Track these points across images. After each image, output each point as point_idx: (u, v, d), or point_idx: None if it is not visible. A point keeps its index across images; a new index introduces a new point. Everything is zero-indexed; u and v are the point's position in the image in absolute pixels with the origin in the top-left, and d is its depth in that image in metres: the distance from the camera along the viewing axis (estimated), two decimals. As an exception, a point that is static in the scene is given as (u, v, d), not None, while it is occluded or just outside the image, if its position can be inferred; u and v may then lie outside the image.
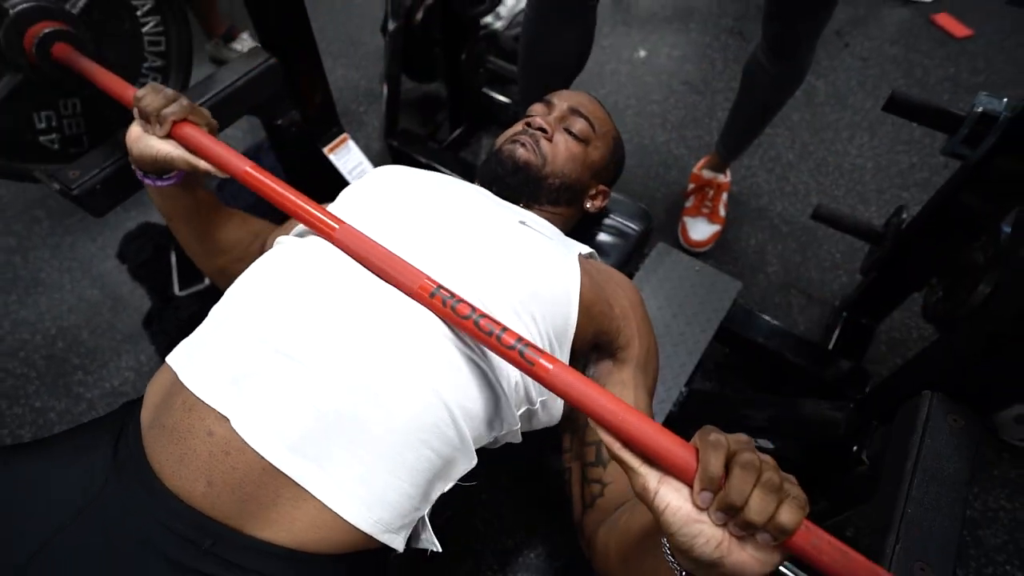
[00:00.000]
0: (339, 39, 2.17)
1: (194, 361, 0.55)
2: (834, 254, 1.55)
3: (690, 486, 0.41)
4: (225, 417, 0.51)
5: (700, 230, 1.57)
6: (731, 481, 0.38)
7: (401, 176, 0.73)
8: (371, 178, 0.74)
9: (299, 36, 1.10)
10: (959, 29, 2.10)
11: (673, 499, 0.41)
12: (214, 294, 0.81)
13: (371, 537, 0.52)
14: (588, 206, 0.89)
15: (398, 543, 0.54)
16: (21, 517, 0.50)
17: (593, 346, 0.70)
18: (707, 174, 1.61)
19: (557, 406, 0.68)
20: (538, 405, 0.64)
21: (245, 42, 1.94)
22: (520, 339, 0.49)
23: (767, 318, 1.22)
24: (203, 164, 0.67)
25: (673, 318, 1.12)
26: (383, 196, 0.69)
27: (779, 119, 1.85)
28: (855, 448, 0.80)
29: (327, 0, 2.34)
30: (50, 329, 1.43)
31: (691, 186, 1.64)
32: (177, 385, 0.54)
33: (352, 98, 1.94)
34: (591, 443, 0.68)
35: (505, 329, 0.50)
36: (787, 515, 0.38)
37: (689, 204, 1.61)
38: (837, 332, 1.28)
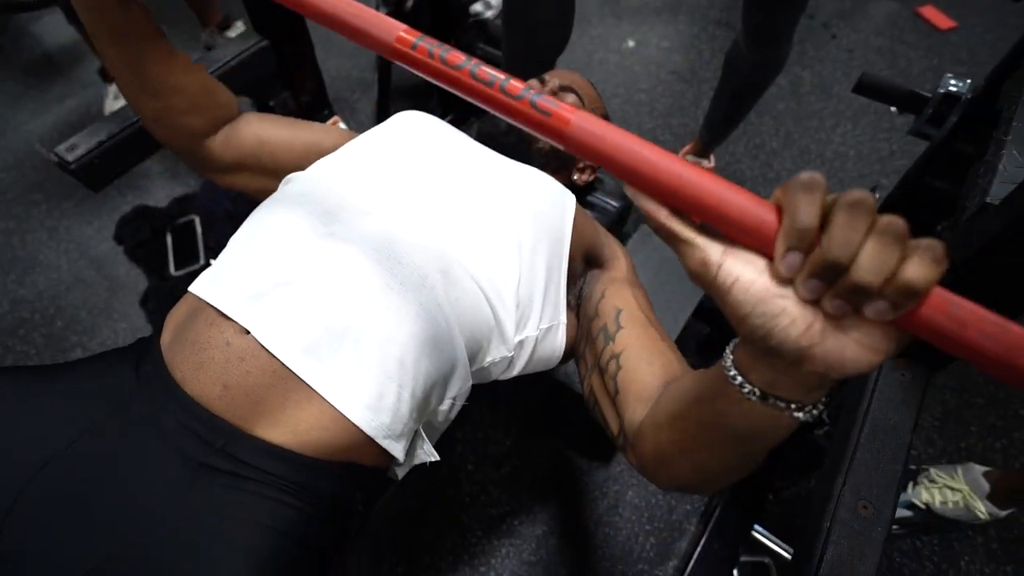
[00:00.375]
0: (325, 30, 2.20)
1: (217, 283, 0.59)
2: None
3: (769, 257, 0.31)
4: (244, 329, 0.55)
5: None
6: (831, 228, 0.27)
7: (423, 119, 0.80)
8: (397, 119, 0.79)
9: (289, 20, 1.13)
10: (943, 21, 2.14)
11: (744, 272, 0.31)
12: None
13: (372, 442, 0.55)
14: (576, 178, 0.93)
15: (398, 451, 0.57)
16: (48, 423, 0.54)
17: (584, 261, 0.74)
18: (691, 159, 1.65)
19: (558, 336, 0.70)
20: (539, 332, 0.67)
21: (239, 31, 1.97)
22: (529, 87, 0.38)
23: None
24: None
25: (654, 296, 1.15)
26: (409, 131, 0.76)
27: (764, 108, 1.89)
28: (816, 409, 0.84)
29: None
30: (48, 308, 1.47)
31: None
32: (199, 307, 0.59)
33: (345, 87, 1.98)
34: (598, 333, 0.65)
35: (509, 77, 0.38)
36: (916, 270, 0.26)
37: None
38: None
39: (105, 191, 1.68)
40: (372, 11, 0.43)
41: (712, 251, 0.32)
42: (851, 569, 0.57)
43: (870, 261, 0.27)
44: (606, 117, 0.96)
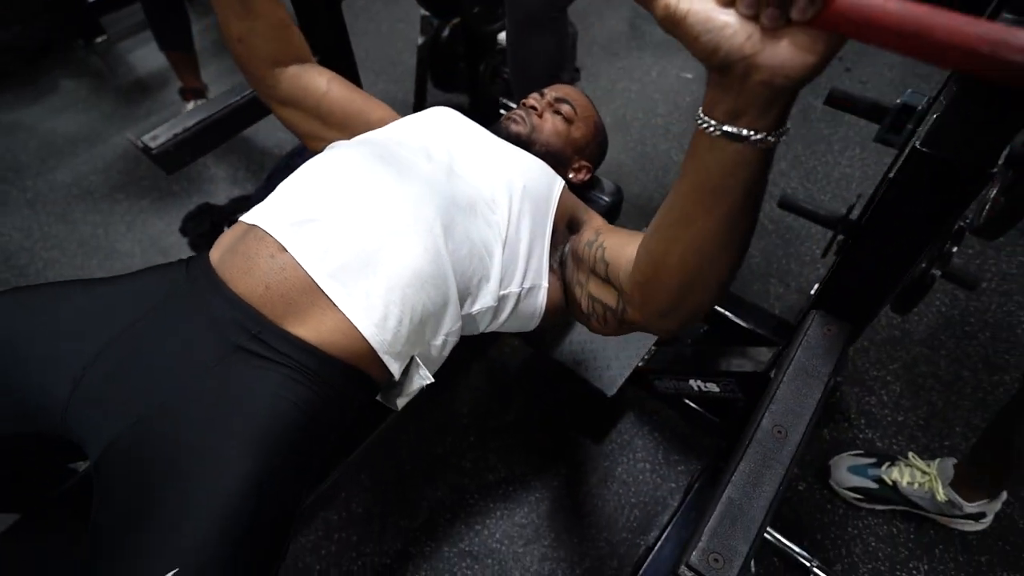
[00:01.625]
0: (381, 59, 2.46)
1: (266, 212, 0.74)
2: (813, 250, 1.67)
3: None
4: (285, 248, 0.69)
5: None
6: None
7: (450, 111, 0.96)
8: (431, 110, 0.96)
9: (339, 47, 1.34)
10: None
11: (696, 4, 0.39)
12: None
13: (375, 353, 0.69)
14: (571, 176, 1.07)
15: (395, 368, 0.71)
16: (113, 308, 0.69)
17: (567, 228, 0.86)
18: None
19: (539, 298, 0.82)
20: (521, 290, 0.80)
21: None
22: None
23: (737, 293, 1.36)
24: None
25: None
26: (438, 118, 0.93)
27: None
28: (770, 373, 0.94)
29: (373, 26, 2.65)
30: (122, 287, 1.70)
31: None
32: (249, 229, 0.73)
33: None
34: (583, 249, 0.79)
35: None
36: None
37: None
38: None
39: (175, 192, 1.94)
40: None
41: None
42: (757, 478, 0.67)
43: None
44: (599, 123, 1.10)
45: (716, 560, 0.62)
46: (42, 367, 0.67)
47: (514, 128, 0.99)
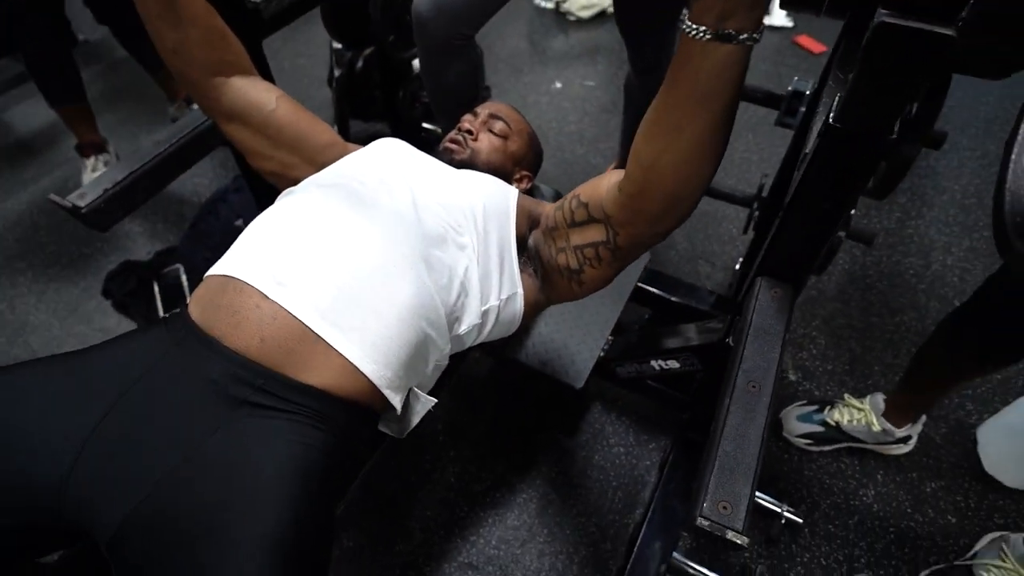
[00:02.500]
0: (292, 94, 2.42)
1: (239, 261, 0.72)
2: (731, 229, 1.84)
3: None
4: (270, 297, 0.67)
5: None
6: None
7: (398, 143, 0.98)
8: (379, 143, 0.97)
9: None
10: (816, 47, 2.51)
11: None
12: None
13: (377, 389, 0.69)
14: (515, 187, 1.13)
15: (396, 401, 0.72)
16: (99, 381, 0.65)
17: (528, 227, 0.90)
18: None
19: (517, 303, 0.86)
20: (500, 302, 0.83)
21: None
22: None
23: (673, 276, 1.48)
24: None
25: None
26: (389, 151, 0.94)
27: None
28: (727, 340, 1.04)
29: (275, 64, 2.59)
30: (43, 362, 1.56)
31: None
32: (224, 282, 0.71)
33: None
34: (553, 216, 0.84)
35: None
36: None
37: None
38: (735, 286, 1.54)
39: (85, 254, 1.82)
40: None
41: None
42: (744, 430, 0.75)
43: None
44: (532, 134, 1.17)
45: (725, 508, 0.69)
46: (31, 453, 0.63)
47: (457, 156, 1.03)
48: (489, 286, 0.83)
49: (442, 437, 1.40)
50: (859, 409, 1.30)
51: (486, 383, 1.51)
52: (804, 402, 1.40)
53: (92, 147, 1.92)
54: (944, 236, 1.80)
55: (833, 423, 1.31)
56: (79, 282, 1.76)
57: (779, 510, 1.23)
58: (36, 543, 0.72)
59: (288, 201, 0.82)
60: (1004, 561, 1.09)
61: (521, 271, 0.88)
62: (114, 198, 1.12)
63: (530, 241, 0.90)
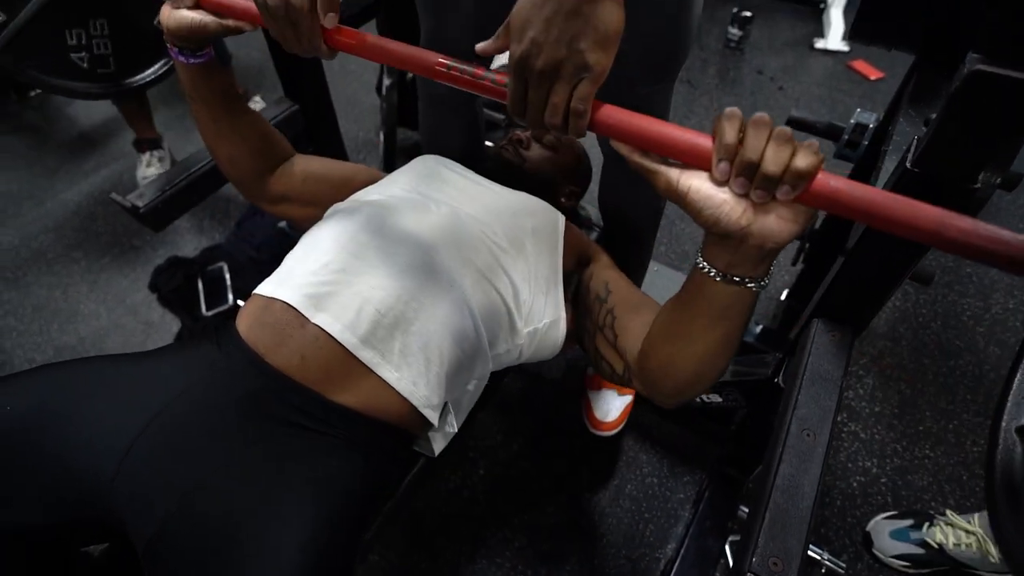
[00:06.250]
0: (339, 99, 2.44)
1: (282, 283, 0.74)
2: (779, 258, 1.79)
3: (709, 170, 0.45)
4: (311, 320, 0.68)
5: (607, 405, 1.31)
6: (745, 141, 0.42)
7: (440, 160, 0.99)
8: (420, 160, 0.98)
9: (315, 89, 1.35)
10: (872, 72, 2.44)
11: (695, 182, 0.46)
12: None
13: (415, 409, 0.69)
14: (563, 200, 1.12)
15: (434, 418, 0.72)
16: (148, 388, 0.66)
17: (576, 263, 0.89)
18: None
19: (559, 329, 0.84)
20: (543, 326, 0.82)
21: (258, 104, 2.21)
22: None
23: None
24: (230, 21, 0.71)
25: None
26: (431, 168, 0.95)
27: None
28: (776, 380, 1.00)
29: (327, 67, 2.65)
30: (90, 351, 1.61)
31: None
32: (270, 302, 0.72)
33: (353, 147, 2.21)
34: (593, 301, 0.82)
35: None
36: (802, 160, 0.41)
37: (592, 372, 1.40)
38: (780, 317, 1.50)
39: (136, 247, 1.87)
40: (416, 49, 0.58)
41: (672, 174, 0.48)
42: (797, 480, 0.72)
43: (772, 157, 0.42)
44: (582, 150, 1.15)
45: (775, 564, 0.66)
46: (83, 449, 0.64)
47: (506, 158, 1.03)
48: (533, 309, 0.82)
49: (472, 453, 1.39)
50: (967, 531, 1.12)
51: (520, 403, 1.49)
52: (894, 513, 1.24)
53: (149, 143, 1.98)
54: (1007, 277, 1.72)
55: (935, 545, 1.14)
56: (128, 274, 1.81)
57: (820, 557, 1.18)
58: (79, 538, 0.73)
59: (331, 223, 0.83)
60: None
61: (565, 300, 0.87)
62: (170, 199, 1.15)
63: (578, 279, 0.89)
